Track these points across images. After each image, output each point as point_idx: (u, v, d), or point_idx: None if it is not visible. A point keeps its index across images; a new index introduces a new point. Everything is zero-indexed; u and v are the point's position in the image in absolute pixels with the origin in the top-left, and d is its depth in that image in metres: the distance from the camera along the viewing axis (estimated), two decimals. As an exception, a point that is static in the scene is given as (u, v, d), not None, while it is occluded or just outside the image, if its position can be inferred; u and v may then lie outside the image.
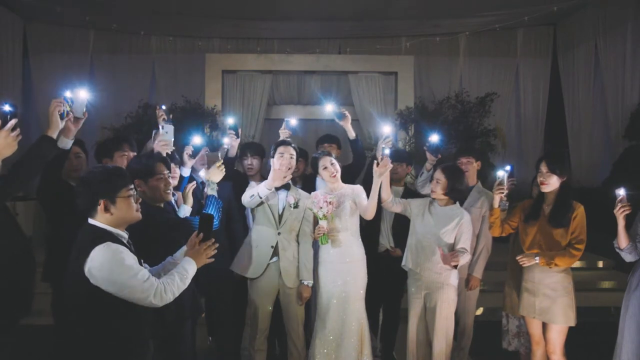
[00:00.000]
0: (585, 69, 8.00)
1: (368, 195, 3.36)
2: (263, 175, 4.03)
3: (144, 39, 8.83)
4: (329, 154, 3.51)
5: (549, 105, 8.83)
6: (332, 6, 7.38)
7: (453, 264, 3.17)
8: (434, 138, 3.79)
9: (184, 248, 2.28)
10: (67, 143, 2.58)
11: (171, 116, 3.51)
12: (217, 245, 2.23)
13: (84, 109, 2.56)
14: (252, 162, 3.93)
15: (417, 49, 8.71)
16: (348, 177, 3.61)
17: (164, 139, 3.04)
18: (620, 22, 7.28)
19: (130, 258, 1.98)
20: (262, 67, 8.57)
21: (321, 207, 3.28)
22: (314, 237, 3.41)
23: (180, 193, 3.14)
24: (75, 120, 2.55)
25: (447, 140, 7.32)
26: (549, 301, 3.16)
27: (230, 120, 3.86)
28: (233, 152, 3.85)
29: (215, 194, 2.93)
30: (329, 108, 3.81)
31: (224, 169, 3.10)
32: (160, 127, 3.11)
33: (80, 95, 2.53)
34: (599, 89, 7.86)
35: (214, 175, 3.05)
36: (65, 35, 8.59)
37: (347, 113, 3.80)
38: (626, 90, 7.22)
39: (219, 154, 3.72)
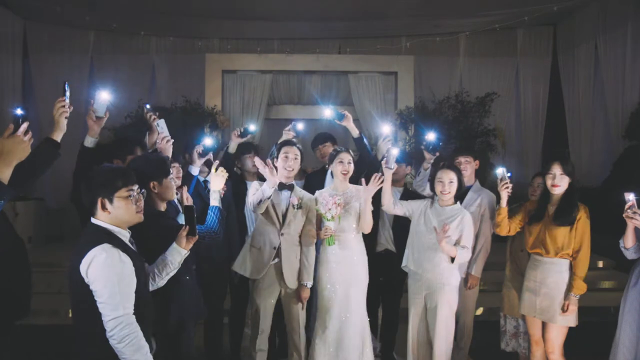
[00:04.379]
0: (585, 69, 8.00)
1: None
2: (259, 175, 4.02)
3: (144, 39, 8.84)
4: (350, 153, 3.47)
5: (549, 105, 8.84)
6: (332, 6, 7.38)
7: (444, 241, 3.15)
8: (431, 137, 3.78)
9: (174, 245, 2.31)
10: (91, 141, 2.70)
11: (157, 114, 3.53)
12: (197, 237, 2.34)
13: (106, 109, 2.69)
14: (252, 161, 3.94)
15: (417, 49, 8.71)
16: (355, 174, 3.56)
17: (164, 135, 3.05)
18: (620, 22, 7.28)
19: (125, 270, 1.98)
20: (262, 67, 8.58)
21: (330, 209, 3.26)
22: (321, 238, 3.40)
23: (184, 188, 3.12)
24: (98, 119, 2.68)
25: (446, 139, 7.33)
26: (550, 301, 3.17)
27: (252, 127, 3.84)
28: (233, 149, 3.84)
29: (217, 203, 2.85)
30: (328, 113, 3.75)
31: (225, 172, 3.00)
32: (155, 125, 3.14)
33: (103, 96, 2.67)
34: (599, 89, 7.86)
35: (216, 182, 2.87)
36: (65, 35, 8.59)
37: (347, 113, 3.77)
38: (626, 90, 7.22)
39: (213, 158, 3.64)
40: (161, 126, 3.10)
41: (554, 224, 3.15)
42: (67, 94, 2.39)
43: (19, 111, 2.08)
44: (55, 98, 2.39)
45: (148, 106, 3.62)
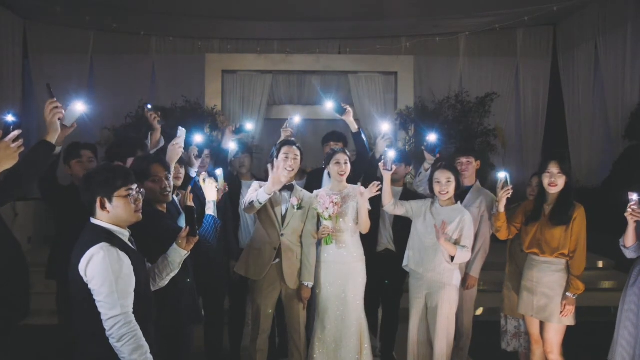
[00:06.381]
0: (585, 69, 8.01)
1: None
2: (254, 174, 4.02)
3: (144, 39, 8.83)
4: (346, 153, 3.48)
5: (549, 105, 8.84)
6: (332, 6, 7.38)
7: (442, 240, 3.15)
8: (432, 137, 3.78)
9: (174, 245, 2.32)
10: (56, 149, 2.56)
11: (159, 113, 3.50)
12: (197, 238, 2.33)
13: (74, 120, 2.52)
14: (244, 160, 3.94)
15: (417, 49, 8.72)
16: (353, 173, 3.55)
17: (179, 142, 3.01)
18: (620, 22, 7.28)
19: (124, 268, 1.98)
20: (262, 67, 8.58)
21: (327, 208, 3.27)
22: (318, 237, 3.40)
23: (185, 192, 3.11)
24: (63, 128, 2.49)
25: (446, 140, 7.33)
26: (547, 300, 3.17)
27: (248, 126, 3.82)
28: (226, 144, 3.75)
29: (212, 212, 2.81)
30: (330, 105, 3.76)
31: (213, 182, 2.97)
32: (178, 130, 3.07)
33: (77, 107, 2.49)
34: (599, 89, 7.86)
35: (209, 193, 2.87)
36: (65, 35, 8.58)
37: (348, 107, 3.76)
38: (626, 90, 7.22)
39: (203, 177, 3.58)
40: (180, 134, 3.06)
41: (550, 223, 3.16)
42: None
43: (10, 118, 2.06)
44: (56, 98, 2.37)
45: (149, 106, 3.60)
